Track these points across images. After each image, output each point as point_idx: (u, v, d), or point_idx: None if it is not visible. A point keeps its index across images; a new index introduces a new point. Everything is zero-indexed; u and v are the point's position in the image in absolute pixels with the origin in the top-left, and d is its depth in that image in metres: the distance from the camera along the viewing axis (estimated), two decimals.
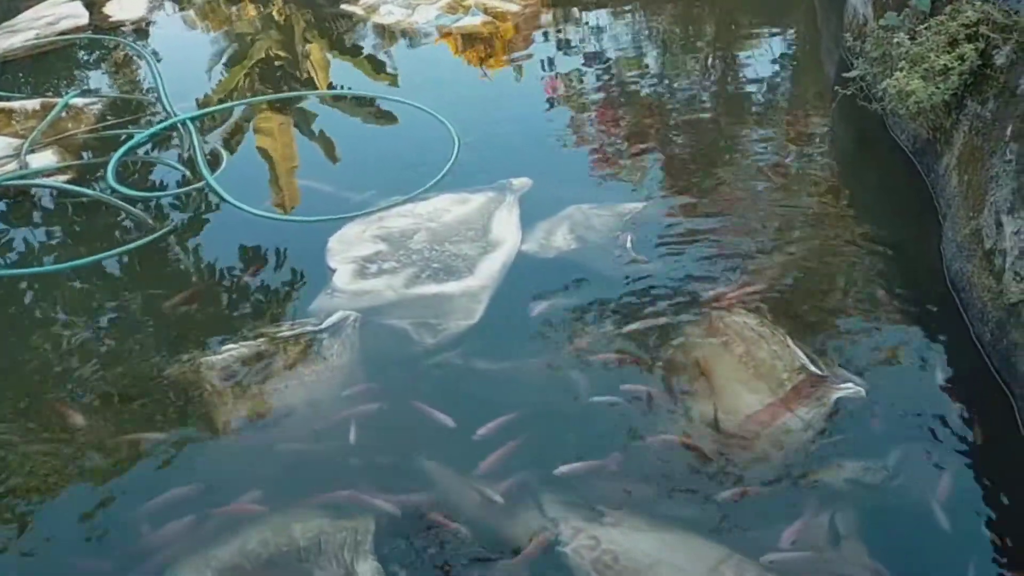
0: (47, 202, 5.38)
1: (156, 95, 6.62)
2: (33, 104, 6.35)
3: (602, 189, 5.09)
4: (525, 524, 3.08)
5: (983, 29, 3.99)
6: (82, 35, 7.99)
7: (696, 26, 7.65)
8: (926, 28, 4.26)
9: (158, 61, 7.28)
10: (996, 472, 3.12)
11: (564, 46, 7.27)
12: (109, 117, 6.35)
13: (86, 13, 8.30)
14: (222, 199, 5.19)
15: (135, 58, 7.58)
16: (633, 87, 6.38)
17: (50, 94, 6.76)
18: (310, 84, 7.07)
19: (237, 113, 6.49)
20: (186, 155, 5.74)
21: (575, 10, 7.95)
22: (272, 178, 5.70)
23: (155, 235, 4.88)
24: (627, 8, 7.94)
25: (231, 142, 6.08)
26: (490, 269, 4.38)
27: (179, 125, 6.02)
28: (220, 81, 7.14)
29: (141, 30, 8.27)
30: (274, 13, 8.54)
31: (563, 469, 3.24)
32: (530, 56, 7.13)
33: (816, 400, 3.41)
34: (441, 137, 5.68)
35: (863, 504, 3.03)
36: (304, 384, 3.79)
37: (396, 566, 2.98)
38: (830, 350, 3.70)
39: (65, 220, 5.23)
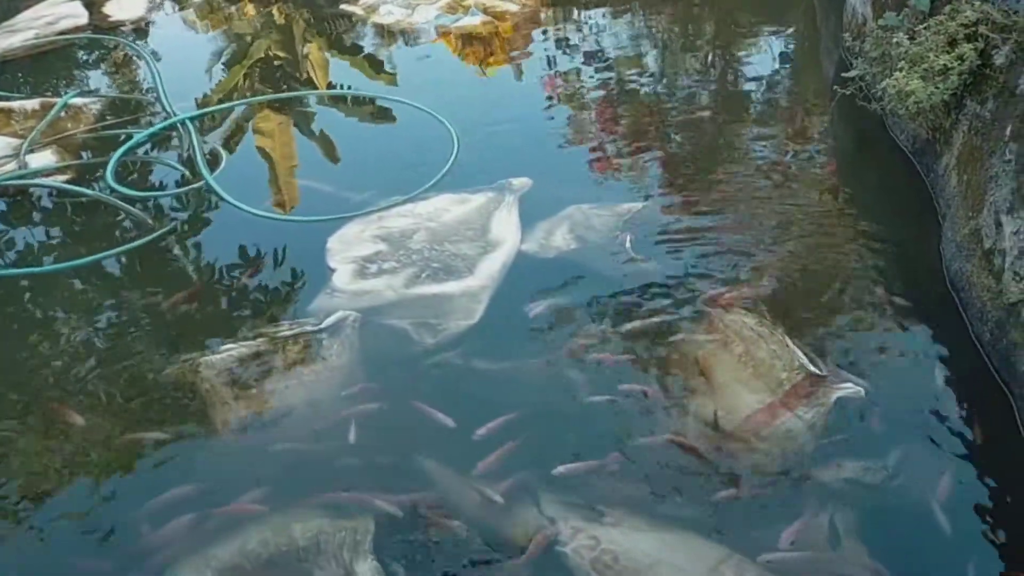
0: (46, 202, 5.37)
1: (155, 95, 6.61)
2: (32, 104, 6.33)
3: (602, 189, 5.09)
4: (525, 524, 3.09)
5: (982, 29, 3.99)
6: (81, 35, 7.97)
7: (695, 25, 7.65)
8: (925, 28, 4.26)
9: (157, 61, 7.26)
10: (996, 472, 3.12)
11: (563, 45, 7.27)
12: (108, 117, 6.34)
13: (85, 13, 8.27)
14: (221, 199, 5.19)
15: (134, 58, 7.57)
16: (633, 86, 6.38)
17: (49, 94, 6.74)
18: (310, 84, 7.05)
19: (237, 113, 6.49)
20: (185, 155, 5.73)
21: (574, 9, 7.94)
22: (272, 178, 5.70)
23: (154, 235, 4.88)
24: (626, 7, 7.93)
25: (231, 142, 6.07)
26: (490, 269, 4.38)
27: (178, 125, 6.02)
28: (219, 81, 7.13)
29: (140, 30, 8.25)
30: (274, 12, 8.53)
31: (562, 469, 3.25)
32: (529, 55, 7.13)
33: (816, 400, 3.40)
34: (441, 137, 5.68)
35: (863, 504, 3.04)
36: (304, 384, 3.79)
37: (396, 566, 2.99)
38: (829, 350, 3.71)
39: (64, 220, 5.22)
